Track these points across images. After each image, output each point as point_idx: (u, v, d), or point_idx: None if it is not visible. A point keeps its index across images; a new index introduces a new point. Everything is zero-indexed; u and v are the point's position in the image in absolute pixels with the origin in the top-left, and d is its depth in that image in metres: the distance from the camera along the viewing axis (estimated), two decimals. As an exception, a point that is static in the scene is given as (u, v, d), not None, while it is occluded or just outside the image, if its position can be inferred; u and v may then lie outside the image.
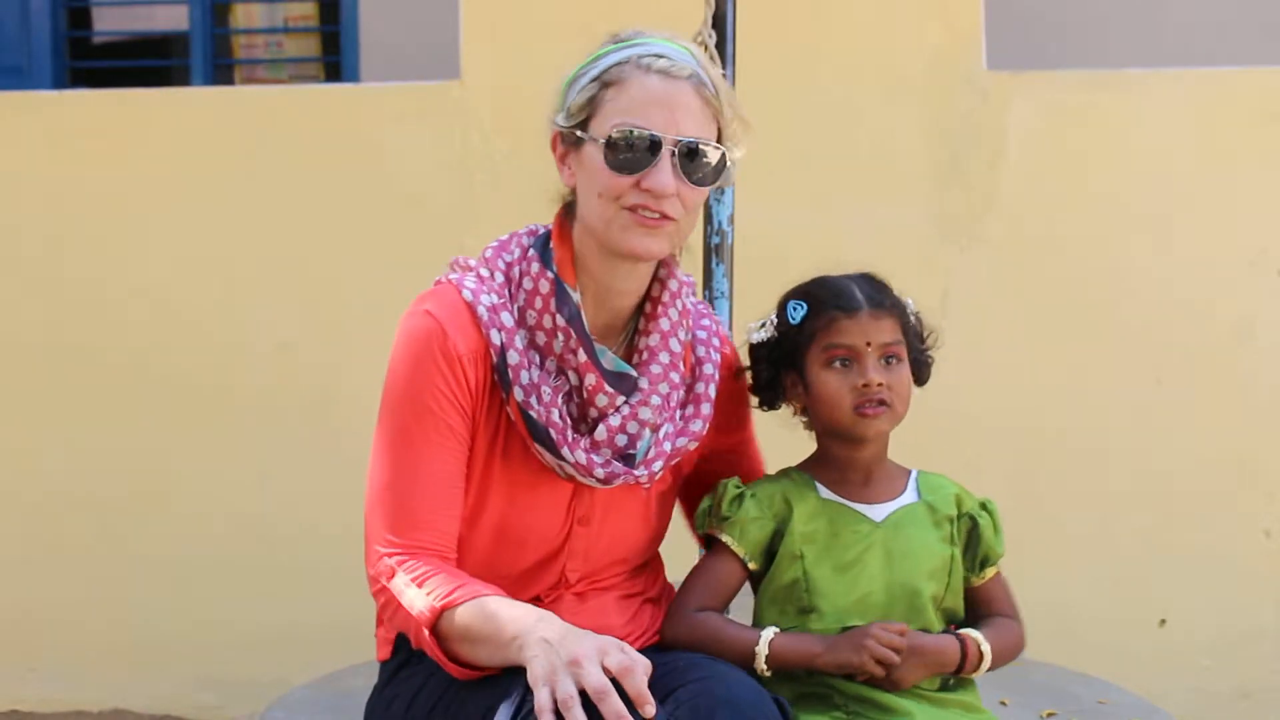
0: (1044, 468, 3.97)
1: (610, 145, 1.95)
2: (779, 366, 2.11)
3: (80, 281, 4.15)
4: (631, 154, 1.94)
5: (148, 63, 5.22)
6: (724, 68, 2.81)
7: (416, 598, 1.90)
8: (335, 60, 4.94)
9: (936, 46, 4.00)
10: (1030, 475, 3.96)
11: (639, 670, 1.73)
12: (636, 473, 2.03)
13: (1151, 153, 3.99)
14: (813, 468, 2.15)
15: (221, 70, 5.00)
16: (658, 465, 2.05)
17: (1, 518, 4.17)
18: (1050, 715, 2.98)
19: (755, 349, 2.13)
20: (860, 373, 2.03)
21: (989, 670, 2.10)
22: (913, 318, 2.14)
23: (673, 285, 2.08)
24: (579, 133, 1.99)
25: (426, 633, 1.89)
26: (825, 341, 2.05)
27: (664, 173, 1.94)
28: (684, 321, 2.09)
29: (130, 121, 4.20)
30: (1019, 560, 3.95)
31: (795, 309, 2.08)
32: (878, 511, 2.10)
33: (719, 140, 2.01)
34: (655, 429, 2.04)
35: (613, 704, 1.69)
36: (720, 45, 2.81)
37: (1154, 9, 4.74)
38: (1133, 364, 3.96)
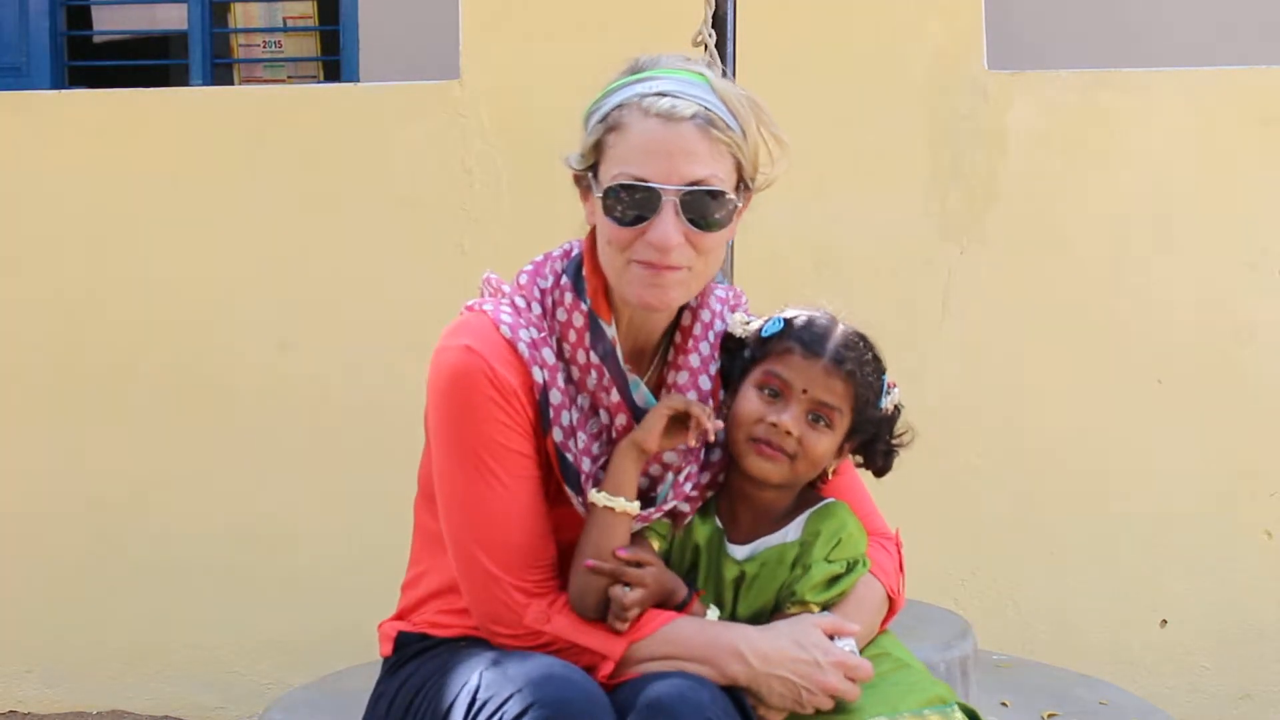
0: (1044, 468, 3.96)
1: (610, 197, 1.87)
2: (735, 367, 2.05)
3: (80, 281, 4.15)
4: (632, 206, 1.86)
5: (146, 62, 5.22)
6: (724, 67, 2.79)
7: (594, 637, 1.91)
8: (335, 60, 4.93)
9: (937, 46, 4.00)
10: (1030, 475, 3.97)
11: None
12: (651, 515, 1.98)
13: (1151, 153, 3.99)
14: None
15: (220, 70, 4.99)
16: (671, 505, 1.99)
17: (1, 518, 4.17)
18: (1051, 716, 2.98)
19: (728, 338, 2.07)
20: (778, 410, 1.96)
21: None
22: (887, 406, 2.05)
23: (705, 315, 2.02)
24: (590, 176, 1.93)
25: (612, 665, 1.89)
26: (770, 366, 1.99)
27: (666, 224, 1.86)
28: (715, 355, 2.03)
29: (129, 121, 4.19)
30: (1019, 561, 3.99)
31: (774, 324, 2.03)
32: (741, 551, 2.03)
33: (740, 174, 1.92)
34: (677, 471, 2.00)
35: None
36: (720, 45, 2.80)
37: (1154, 9, 4.74)
38: (1133, 364, 3.96)
